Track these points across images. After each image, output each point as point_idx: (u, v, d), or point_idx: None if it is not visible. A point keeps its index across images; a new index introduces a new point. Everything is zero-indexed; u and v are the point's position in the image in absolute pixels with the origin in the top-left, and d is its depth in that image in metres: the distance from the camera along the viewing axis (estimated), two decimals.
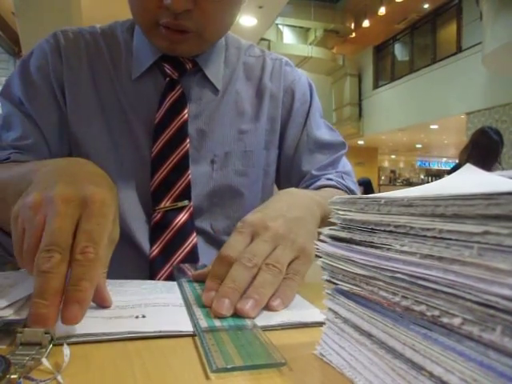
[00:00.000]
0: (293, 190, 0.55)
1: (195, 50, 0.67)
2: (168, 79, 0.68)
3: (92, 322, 0.35)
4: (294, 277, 0.43)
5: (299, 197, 0.53)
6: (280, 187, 0.78)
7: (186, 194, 0.65)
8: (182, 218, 0.64)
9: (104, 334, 0.33)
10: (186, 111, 0.67)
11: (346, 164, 0.78)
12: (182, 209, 0.65)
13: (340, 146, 0.78)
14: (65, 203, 0.34)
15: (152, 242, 0.63)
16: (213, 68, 0.71)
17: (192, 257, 0.63)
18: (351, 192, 0.72)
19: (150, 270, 0.62)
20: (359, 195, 0.28)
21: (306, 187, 0.72)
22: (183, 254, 0.63)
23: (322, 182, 0.71)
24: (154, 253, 0.63)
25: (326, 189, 0.69)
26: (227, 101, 0.72)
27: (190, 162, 0.66)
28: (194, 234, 0.65)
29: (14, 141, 0.64)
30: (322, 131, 0.77)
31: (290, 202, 0.50)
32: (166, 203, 0.64)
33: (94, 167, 0.44)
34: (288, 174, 0.76)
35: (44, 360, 0.27)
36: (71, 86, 0.67)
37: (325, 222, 0.52)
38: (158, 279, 0.61)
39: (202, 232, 0.67)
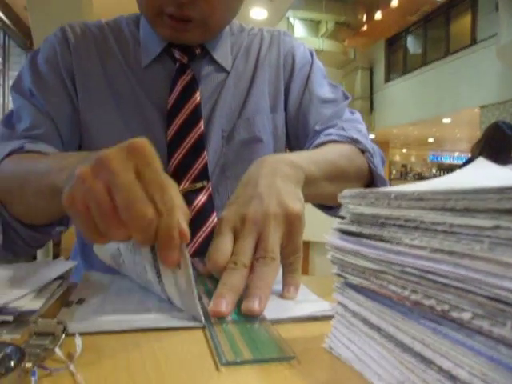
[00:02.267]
0: (264, 158, 0.51)
1: (199, 38, 0.68)
2: (178, 64, 0.69)
3: (103, 313, 0.36)
4: (293, 258, 0.43)
5: (269, 164, 0.49)
6: (290, 149, 0.77)
7: (203, 174, 0.66)
8: (202, 198, 0.65)
9: (116, 323, 0.34)
10: (198, 94, 0.68)
11: (350, 113, 0.75)
12: (200, 190, 0.65)
13: (342, 98, 0.77)
14: (115, 160, 0.33)
15: None
16: (220, 51, 0.72)
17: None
18: (353, 141, 0.66)
19: None
20: (369, 189, 0.28)
21: (307, 148, 0.70)
22: (204, 234, 0.64)
23: (321, 139, 0.67)
24: None
25: (323, 146, 0.65)
26: (234, 80, 0.73)
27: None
28: (215, 214, 0.65)
29: (26, 130, 0.64)
30: (325, 89, 0.76)
31: (260, 176, 0.47)
32: (184, 185, 0.65)
33: None
34: (295, 134, 0.75)
35: (57, 350, 0.28)
36: (81, 75, 0.68)
37: (309, 182, 0.51)
38: None
39: (222, 210, 0.68)
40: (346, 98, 0.77)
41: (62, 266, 0.44)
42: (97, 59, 0.69)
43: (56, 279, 0.42)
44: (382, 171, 0.68)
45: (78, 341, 0.29)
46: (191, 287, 0.34)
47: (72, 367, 0.27)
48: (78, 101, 0.68)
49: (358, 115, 0.76)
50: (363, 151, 0.66)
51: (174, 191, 0.35)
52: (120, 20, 0.75)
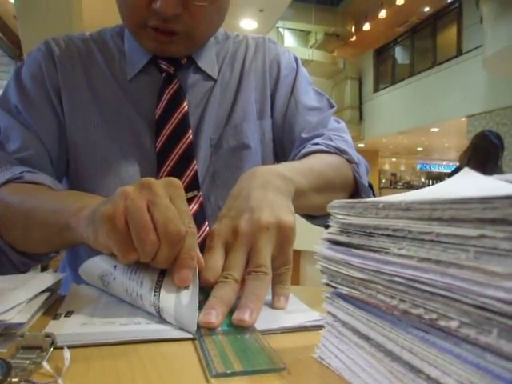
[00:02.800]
0: (255, 170, 0.51)
1: (184, 51, 0.68)
2: (165, 74, 0.69)
3: (92, 326, 0.36)
4: (283, 270, 0.43)
5: (259, 176, 0.49)
6: (276, 158, 0.77)
7: (194, 183, 0.66)
8: (193, 208, 0.65)
9: (105, 335, 0.33)
10: (185, 103, 0.68)
11: (335, 121, 0.75)
12: (191, 199, 0.65)
13: (327, 106, 0.77)
14: (156, 185, 0.39)
15: None
16: (206, 60, 0.73)
17: None
18: (341, 152, 0.66)
19: None
20: (357, 200, 0.29)
21: (294, 157, 0.70)
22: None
23: (308, 148, 0.67)
24: None
25: (311, 156, 0.65)
26: (221, 88, 0.73)
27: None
28: (206, 223, 0.65)
29: (16, 152, 0.63)
30: (310, 96, 0.77)
31: (251, 188, 0.47)
32: None
33: None
34: (281, 141, 0.75)
35: (45, 363, 0.28)
36: (67, 91, 0.68)
37: (299, 194, 0.52)
38: None
39: (213, 218, 0.68)
40: (332, 106, 0.78)
41: (50, 279, 0.44)
42: (82, 73, 0.69)
43: (44, 291, 0.41)
44: (366, 181, 0.70)
45: (67, 354, 0.29)
46: (195, 303, 0.36)
47: (60, 381, 0.26)
48: (65, 116, 0.67)
49: (343, 124, 0.76)
50: (349, 162, 0.67)
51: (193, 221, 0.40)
52: (104, 32, 0.75)
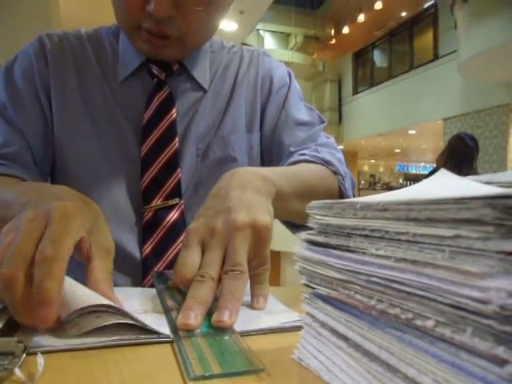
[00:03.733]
0: (235, 170, 0.51)
1: (177, 55, 0.68)
2: (155, 80, 0.68)
3: (67, 331, 0.35)
4: (261, 270, 0.43)
5: (239, 176, 0.50)
6: None
7: (176, 191, 0.65)
8: (174, 215, 0.64)
9: (79, 342, 0.33)
10: (174, 110, 0.67)
11: (325, 137, 0.76)
12: (172, 207, 0.65)
13: (318, 121, 0.77)
14: (29, 222, 0.36)
15: (144, 240, 0.63)
16: (199, 69, 0.72)
17: None
18: (326, 162, 0.67)
19: (142, 269, 0.62)
20: (335, 200, 0.29)
21: (281, 166, 0.70)
22: (175, 251, 0.63)
23: (295, 158, 0.68)
24: (146, 251, 0.63)
25: (297, 165, 0.66)
26: (212, 98, 0.72)
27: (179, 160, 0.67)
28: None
29: None
30: (301, 111, 0.77)
31: (230, 188, 0.47)
32: (157, 202, 0.64)
33: (63, 189, 0.47)
34: (269, 154, 0.75)
35: (17, 370, 0.27)
36: (58, 89, 0.67)
37: (280, 197, 0.52)
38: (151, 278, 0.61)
39: None
40: (322, 121, 0.78)
41: None
42: (73, 71, 0.68)
43: None
44: (352, 195, 0.70)
45: (40, 360, 0.28)
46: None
47: None
48: (53, 115, 0.67)
49: (332, 140, 0.77)
50: (335, 173, 0.67)
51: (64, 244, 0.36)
52: (100, 30, 0.74)
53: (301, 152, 0.69)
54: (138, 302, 0.43)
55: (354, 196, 0.71)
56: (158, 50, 0.65)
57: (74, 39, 0.71)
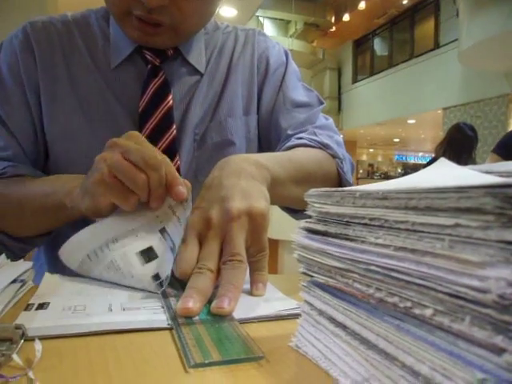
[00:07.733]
0: (229, 158, 0.51)
1: (169, 43, 0.65)
2: (150, 66, 0.66)
3: (64, 316, 0.35)
4: (259, 256, 0.44)
5: (233, 163, 0.49)
6: (261, 152, 0.75)
7: None
8: None
9: (77, 326, 0.33)
10: (170, 97, 0.66)
11: (324, 118, 0.75)
12: None
13: (317, 103, 0.76)
14: (120, 140, 0.46)
15: None
16: (194, 53, 0.70)
17: None
18: (324, 146, 0.66)
19: None
20: (334, 188, 0.29)
21: (278, 150, 0.69)
22: None
23: (292, 142, 0.67)
24: None
25: (293, 149, 0.65)
26: (208, 81, 0.71)
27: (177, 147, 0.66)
28: None
29: None
30: (299, 92, 0.75)
31: (223, 176, 0.47)
32: None
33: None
34: (267, 137, 0.74)
35: (14, 356, 0.27)
36: (46, 81, 0.65)
37: (275, 183, 0.52)
38: None
39: None
40: (321, 103, 0.77)
41: (19, 268, 0.42)
42: (62, 60, 0.66)
43: (16, 282, 0.40)
44: (351, 179, 0.69)
45: (38, 345, 0.28)
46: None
47: (31, 374, 0.26)
48: (42, 111, 0.65)
49: (331, 121, 0.75)
50: (333, 156, 0.66)
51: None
52: (88, 14, 0.71)
53: (298, 135, 0.68)
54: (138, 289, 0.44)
55: (352, 180, 0.70)
56: (149, 38, 0.62)
57: (60, 25, 0.68)
